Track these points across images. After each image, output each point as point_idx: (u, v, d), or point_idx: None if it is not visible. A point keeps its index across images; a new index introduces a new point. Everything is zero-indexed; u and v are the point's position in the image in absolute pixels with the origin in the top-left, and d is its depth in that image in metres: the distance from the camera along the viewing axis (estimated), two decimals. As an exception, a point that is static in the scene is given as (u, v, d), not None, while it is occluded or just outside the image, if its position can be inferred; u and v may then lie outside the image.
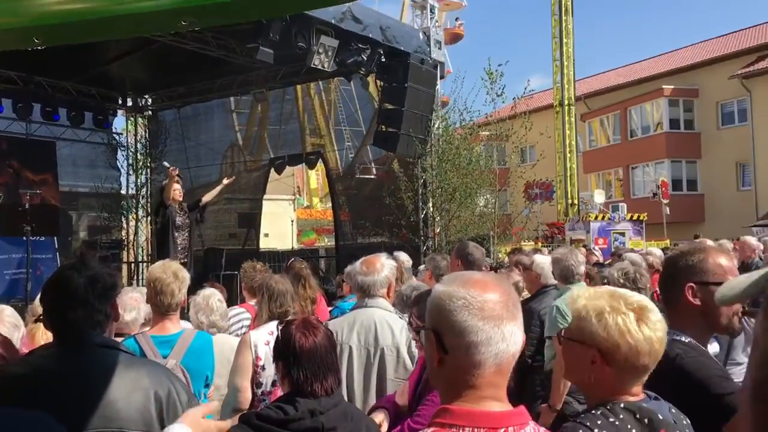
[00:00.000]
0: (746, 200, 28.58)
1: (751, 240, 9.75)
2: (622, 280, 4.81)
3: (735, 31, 34.68)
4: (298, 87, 16.52)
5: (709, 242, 9.40)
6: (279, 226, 25.16)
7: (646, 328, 1.83)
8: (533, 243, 18.75)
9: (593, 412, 1.84)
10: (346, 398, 3.22)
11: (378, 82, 13.44)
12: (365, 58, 11.88)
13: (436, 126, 13.75)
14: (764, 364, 0.64)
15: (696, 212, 30.19)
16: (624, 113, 32.97)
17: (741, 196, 29.28)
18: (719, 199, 29.85)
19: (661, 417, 1.82)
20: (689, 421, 1.94)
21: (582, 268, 5.29)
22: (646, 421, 1.80)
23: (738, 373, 4.93)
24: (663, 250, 12.43)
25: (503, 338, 1.51)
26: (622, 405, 1.83)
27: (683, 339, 2.34)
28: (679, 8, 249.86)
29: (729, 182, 29.99)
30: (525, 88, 14.96)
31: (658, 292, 2.59)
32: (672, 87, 31.06)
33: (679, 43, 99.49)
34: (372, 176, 14.91)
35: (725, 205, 29.14)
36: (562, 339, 1.98)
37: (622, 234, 21.97)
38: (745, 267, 8.62)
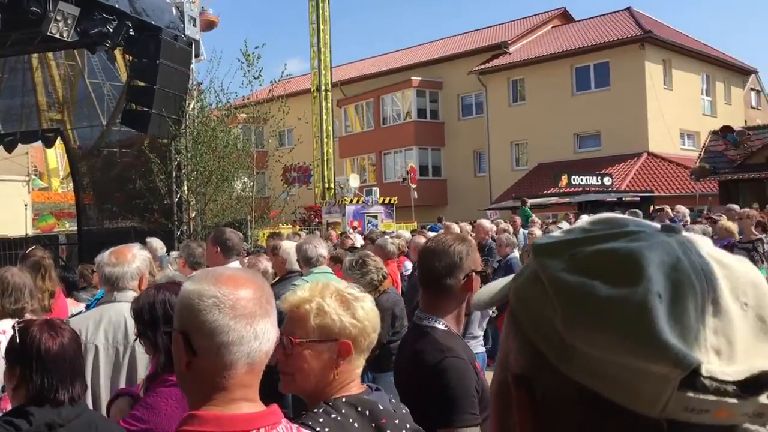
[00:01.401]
0: (482, 185, 31.60)
1: (485, 223, 10.75)
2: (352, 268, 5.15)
3: (474, 30, 38.05)
4: (35, 57, 14.85)
5: (454, 225, 10.23)
6: (10, 209, 22.65)
7: (351, 315, 1.85)
8: (291, 227, 18.93)
9: (315, 410, 1.81)
10: (91, 403, 2.99)
11: (126, 56, 12.55)
12: (111, 30, 11.00)
13: (191, 107, 13.21)
14: (503, 366, 0.68)
15: (440, 196, 32.72)
16: (377, 101, 34.54)
17: (477, 181, 32.31)
18: (460, 184, 32.65)
19: (381, 407, 1.85)
20: (408, 410, 2.02)
21: (320, 252, 5.43)
22: (367, 413, 1.81)
23: (475, 345, 5.44)
24: (412, 232, 13.25)
25: (256, 336, 1.45)
26: (343, 399, 1.82)
27: (440, 326, 2.47)
28: (431, 3, 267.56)
29: (467, 169, 32.92)
30: (282, 72, 14.95)
31: (419, 277, 2.66)
32: (420, 78, 33.20)
33: (428, 37, 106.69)
34: (119, 159, 13.94)
35: (465, 190, 31.95)
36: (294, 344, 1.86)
37: (375, 217, 23.08)
38: (480, 248, 9.49)
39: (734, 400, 0.56)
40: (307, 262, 5.40)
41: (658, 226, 0.66)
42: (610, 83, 27.78)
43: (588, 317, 0.59)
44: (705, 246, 0.64)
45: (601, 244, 0.64)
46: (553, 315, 0.61)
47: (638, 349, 0.56)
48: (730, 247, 8.61)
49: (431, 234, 9.35)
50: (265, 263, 6.23)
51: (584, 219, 0.71)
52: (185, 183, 13.22)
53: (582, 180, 22.25)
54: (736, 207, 11.41)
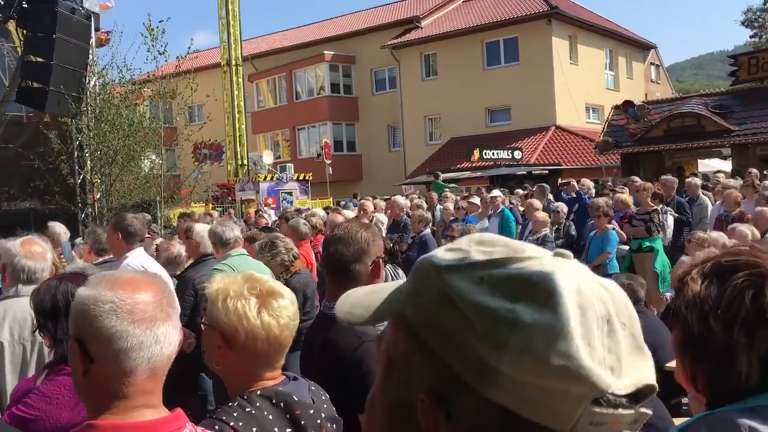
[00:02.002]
0: (396, 160, 31.81)
1: (400, 199, 10.83)
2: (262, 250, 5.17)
3: (386, 4, 37.91)
4: None
5: (367, 202, 10.25)
6: None
7: (266, 314, 1.83)
8: (204, 205, 18.51)
9: (230, 404, 1.81)
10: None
11: (20, 30, 11.82)
12: (2, 2, 10.33)
13: (92, 83, 12.62)
14: (404, 387, 0.69)
15: (355, 172, 32.73)
16: (290, 76, 34.05)
17: (392, 156, 32.49)
18: (374, 159, 32.74)
19: (296, 398, 1.86)
20: (327, 396, 2.03)
21: (236, 234, 5.38)
22: (281, 404, 1.82)
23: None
24: (326, 209, 13.21)
25: (157, 341, 1.41)
26: (258, 392, 1.83)
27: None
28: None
29: (382, 144, 33.04)
30: (189, 47, 14.46)
31: (325, 265, 2.64)
32: (333, 53, 32.91)
33: (341, 11, 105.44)
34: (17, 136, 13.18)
35: (379, 165, 32.08)
36: (202, 323, 1.93)
37: (290, 194, 22.87)
38: (395, 224, 9.57)
39: (624, 411, 0.62)
40: (223, 244, 5.32)
41: (551, 253, 0.69)
42: (519, 58, 28.39)
43: (515, 343, 0.61)
44: (588, 271, 0.68)
45: (508, 267, 0.65)
46: (476, 340, 0.62)
47: (563, 373, 0.59)
48: (629, 219, 9.03)
49: (347, 212, 9.35)
50: (178, 247, 6.09)
51: (469, 238, 0.71)
52: (88, 163, 12.66)
53: (493, 154, 22.74)
54: (637, 179, 11.94)
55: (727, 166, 18.02)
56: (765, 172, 12.14)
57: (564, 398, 0.60)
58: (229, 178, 25.73)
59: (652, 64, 38.98)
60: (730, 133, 17.37)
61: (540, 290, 0.62)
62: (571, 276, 0.64)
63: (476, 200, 11.19)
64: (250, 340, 1.81)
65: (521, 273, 0.64)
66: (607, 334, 0.63)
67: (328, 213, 9.86)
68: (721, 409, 1.16)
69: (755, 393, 1.13)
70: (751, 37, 38.32)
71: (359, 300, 0.75)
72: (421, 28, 31.65)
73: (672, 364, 1.88)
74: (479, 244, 0.69)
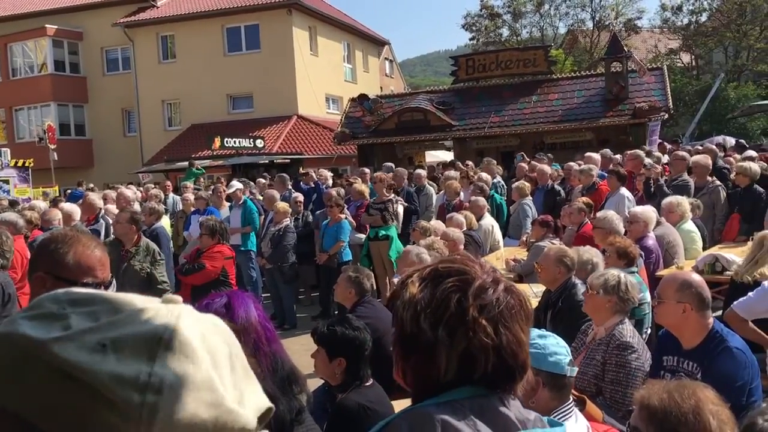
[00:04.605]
0: (132, 146, 30.00)
1: (127, 192, 10.20)
2: None
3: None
4: None
5: (91, 194, 9.48)
6: None
7: None
8: None
9: None
10: None
11: None
12: None
13: None
14: None
15: (85, 157, 30.27)
16: (4, 49, 30.35)
17: (127, 141, 30.57)
18: (107, 144, 30.53)
19: None
20: None
21: None
22: None
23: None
24: (53, 199, 12.07)
25: None
26: None
27: None
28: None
29: (116, 128, 30.90)
30: None
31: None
32: (56, 27, 29.96)
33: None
34: None
35: (114, 151, 29.99)
36: None
37: (6, 182, 20.47)
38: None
39: None
40: None
41: (160, 299, 0.66)
42: (261, 46, 28.33)
43: (165, 407, 0.57)
44: (195, 312, 0.66)
45: (128, 326, 0.60)
46: (117, 418, 0.56)
47: (216, 423, 0.58)
48: (367, 208, 9.51)
49: (67, 205, 8.58)
50: None
51: (54, 298, 0.63)
52: None
53: (235, 142, 22.47)
54: (367, 170, 12.59)
55: (451, 157, 19.74)
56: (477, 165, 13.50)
57: None
58: (-74, 164, 22.24)
59: (386, 59, 41.38)
60: (452, 128, 19.06)
61: (173, 344, 0.59)
62: (193, 324, 0.62)
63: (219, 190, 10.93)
64: None
65: (146, 330, 0.60)
66: (230, 371, 0.63)
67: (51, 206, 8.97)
68: (420, 404, 1.24)
69: (452, 388, 1.22)
70: (470, 39, 42.26)
71: None
72: (157, 7, 30.08)
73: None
74: (72, 304, 0.62)
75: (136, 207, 8.69)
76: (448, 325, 1.21)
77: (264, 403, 0.66)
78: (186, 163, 18.83)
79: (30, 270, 2.20)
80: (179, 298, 0.65)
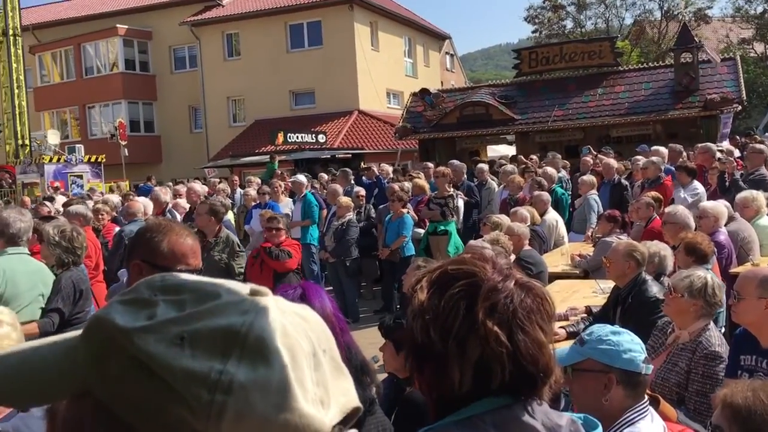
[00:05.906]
0: (198, 142, 30.72)
1: (196, 186, 10.45)
2: (57, 238, 4.65)
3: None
4: None
5: (159, 190, 9.75)
6: None
7: None
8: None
9: None
10: None
11: None
12: None
13: None
14: None
15: (154, 153, 31.15)
16: (78, 49, 31.50)
17: (194, 138, 31.32)
18: (175, 140, 31.36)
19: None
20: None
21: (21, 225, 4.85)
22: None
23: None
24: (124, 194, 12.43)
25: None
26: None
27: None
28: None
29: (183, 124, 31.70)
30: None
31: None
32: (126, 27, 30.91)
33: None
34: None
35: (180, 147, 30.79)
36: None
37: (80, 177, 21.29)
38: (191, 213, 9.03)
39: None
40: (10, 239, 4.69)
41: (248, 288, 0.64)
42: (323, 42, 28.58)
43: (233, 407, 0.56)
44: (284, 302, 0.66)
45: (208, 319, 0.59)
46: (188, 412, 0.56)
47: (285, 426, 0.57)
48: (427, 202, 9.49)
49: (141, 199, 8.84)
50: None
51: (149, 283, 0.64)
52: None
53: (298, 137, 22.73)
54: (430, 165, 12.55)
55: (513, 151, 19.51)
56: (540, 158, 13.30)
57: None
58: (8, 160, 23.30)
59: (447, 53, 41.12)
60: (514, 122, 18.84)
61: (249, 342, 0.58)
62: (275, 319, 0.61)
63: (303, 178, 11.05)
64: None
65: (225, 324, 0.59)
66: (314, 368, 0.61)
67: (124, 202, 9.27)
68: (438, 423, 1.18)
69: (469, 401, 1.15)
70: (532, 32, 41.64)
71: (5, 371, 0.61)
72: (223, 6, 30.69)
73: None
74: (164, 291, 0.62)
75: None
76: (458, 335, 1.13)
77: (351, 402, 0.64)
78: (250, 158, 19.17)
79: (127, 258, 2.29)
80: (267, 290, 0.64)
